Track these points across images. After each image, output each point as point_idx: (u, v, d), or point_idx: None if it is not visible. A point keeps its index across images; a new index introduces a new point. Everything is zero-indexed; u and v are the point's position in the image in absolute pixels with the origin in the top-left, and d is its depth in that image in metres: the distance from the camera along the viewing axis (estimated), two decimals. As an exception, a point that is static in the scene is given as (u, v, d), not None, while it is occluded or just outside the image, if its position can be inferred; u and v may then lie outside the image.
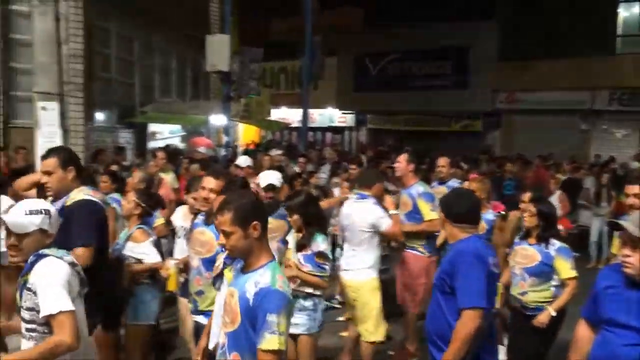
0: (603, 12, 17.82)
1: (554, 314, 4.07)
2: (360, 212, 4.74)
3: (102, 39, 12.08)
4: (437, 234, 5.44)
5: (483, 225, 4.74)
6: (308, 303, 3.99)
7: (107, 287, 3.64)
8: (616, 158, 14.84)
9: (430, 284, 5.14)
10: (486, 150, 17.75)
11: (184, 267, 4.10)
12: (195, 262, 3.65)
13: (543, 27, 18.01)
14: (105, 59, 12.38)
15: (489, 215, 5.18)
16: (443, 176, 6.64)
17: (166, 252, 4.87)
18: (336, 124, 24.99)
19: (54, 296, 2.51)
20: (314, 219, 4.10)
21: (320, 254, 3.99)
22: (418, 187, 5.44)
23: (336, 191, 7.60)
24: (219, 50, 11.26)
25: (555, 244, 4.16)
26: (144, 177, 5.94)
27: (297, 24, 15.74)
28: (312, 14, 14.98)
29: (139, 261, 4.21)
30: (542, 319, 4.08)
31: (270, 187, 4.85)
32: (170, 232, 5.46)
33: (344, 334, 5.40)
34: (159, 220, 5.23)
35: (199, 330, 3.47)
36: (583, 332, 2.93)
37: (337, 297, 6.51)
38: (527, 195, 4.42)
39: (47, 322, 2.53)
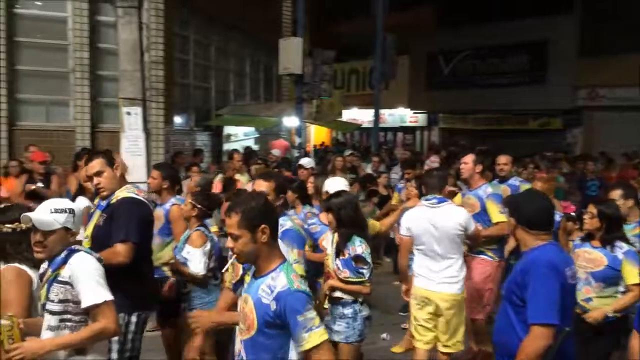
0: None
1: (610, 315, 3.79)
2: (447, 216, 4.38)
3: (181, 45, 12.57)
4: (505, 238, 5.22)
5: None
6: (348, 311, 3.87)
7: (147, 282, 3.74)
8: None
9: (497, 290, 4.98)
10: (566, 149, 17.03)
11: None
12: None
13: (625, 18, 17.05)
14: (184, 64, 12.88)
15: (555, 216, 4.93)
16: (505, 174, 6.41)
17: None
18: (407, 123, 24.75)
19: (96, 287, 2.68)
20: (349, 220, 3.94)
21: (358, 258, 3.85)
22: (486, 188, 5.25)
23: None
24: (291, 53, 11.43)
25: (623, 247, 3.89)
26: (200, 180, 6.04)
27: (368, 24, 15.71)
28: (383, 13, 14.91)
29: (184, 264, 4.23)
30: (595, 315, 3.82)
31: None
32: None
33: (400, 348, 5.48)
34: (213, 227, 5.29)
35: None
36: (636, 344, 2.78)
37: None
38: (616, 193, 4.22)
39: (86, 312, 2.70)
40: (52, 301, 2.69)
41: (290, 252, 3.34)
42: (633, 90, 17.51)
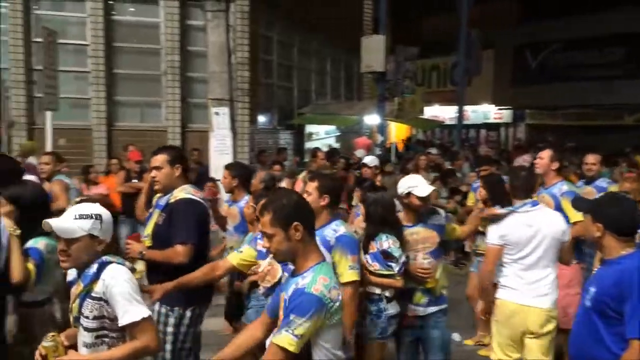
0: None
1: None
2: (549, 221, 3.99)
3: (265, 46, 12.88)
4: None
5: None
6: (373, 308, 3.78)
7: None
8: None
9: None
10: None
11: None
12: (421, 256, 3.90)
13: None
14: (267, 65, 13.19)
15: None
16: (592, 174, 6.00)
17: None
18: (491, 120, 24.01)
19: (132, 304, 2.48)
20: (377, 218, 3.86)
21: (385, 253, 3.76)
22: (561, 186, 4.92)
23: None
24: (374, 51, 11.41)
25: None
26: (264, 177, 6.05)
27: (450, 19, 15.39)
28: (467, 8, 14.55)
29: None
30: None
31: None
32: None
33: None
34: None
35: None
36: None
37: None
38: None
39: (124, 328, 2.52)
40: (87, 317, 2.51)
41: (344, 259, 3.28)
42: None
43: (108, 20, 10.50)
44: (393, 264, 3.77)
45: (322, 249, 2.86)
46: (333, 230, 3.36)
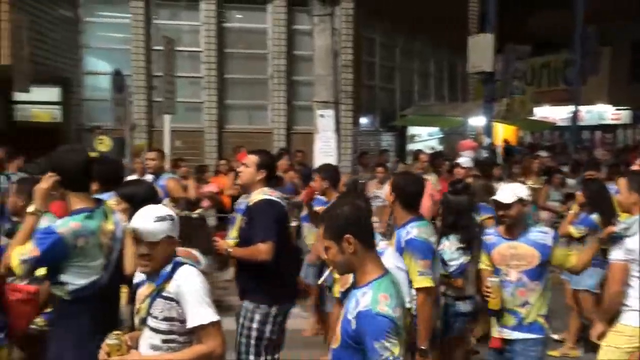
0: None
1: None
2: None
3: (368, 48, 12.91)
4: None
5: None
6: (440, 302, 3.77)
7: (287, 277, 3.86)
8: None
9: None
10: None
11: None
12: (515, 276, 3.58)
13: None
14: (370, 67, 13.20)
15: None
16: None
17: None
18: (607, 121, 22.44)
19: (202, 307, 2.46)
20: (449, 221, 4.04)
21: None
22: None
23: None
24: (482, 51, 11.07)
25: None
26: (348, 180, 6.02)
27: (562, 15, 14.57)
28: (583, 3, 13.71)
29: None
30: None
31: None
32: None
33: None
34: None
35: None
36: None
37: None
38: None
39: (191, 332, 2.49)
40: (156, 317, 2.49)
41: (413, 264, 3.25)
42: None
43: (220, 27, 11.00)
44: (447, 266, 3.87)
45: (391, 253, 2.98)
46: (406, 232, 3.38)
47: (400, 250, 3.30)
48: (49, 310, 3.19)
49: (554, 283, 4.15)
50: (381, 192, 6.38)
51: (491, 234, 3.77)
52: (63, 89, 10.76)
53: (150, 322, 2.50)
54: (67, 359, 2.78)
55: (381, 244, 3.04)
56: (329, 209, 2.32)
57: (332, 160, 9.27)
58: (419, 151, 9.65)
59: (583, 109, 21.10)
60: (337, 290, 3.26)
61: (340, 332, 2.21)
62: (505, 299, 3.55)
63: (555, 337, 5.51)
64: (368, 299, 2.10)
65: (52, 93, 10.81)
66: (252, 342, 3.69)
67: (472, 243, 3.99)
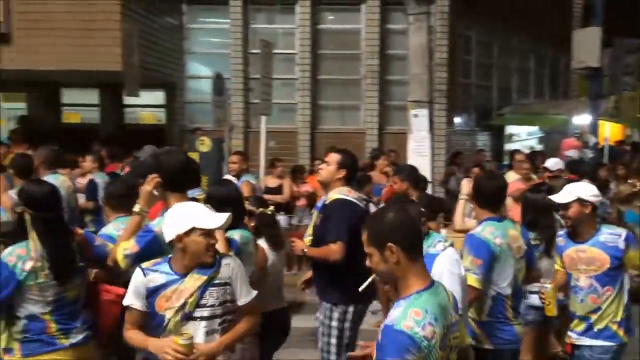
0: None
1: None
2: None
3: (463, 46, 12.59)
4: None
5: None
6: None
7: (362, 277, 3.80)
8: None
9: None
10: None
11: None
12: (585, 282, 3.43)
13: None
14: (466, 65, 12.86)
15: None
16: None
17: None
18: None
19: (247, 285, 2.76)
20: (528, 220, 4.11)
21: None
22: None
23: None
24: (587, 45, 10.46)
25: None
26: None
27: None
28: None
29: None
30: None
31: None
32: None
33: None
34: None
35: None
36: None
37: None
38: None
39: (236, 309, 2.74)
40: (212, 306, 2.63)
41: (465, 259, 3.21)
42: None
43: (314, 29, 11.17)
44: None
45: (447, 256, 2.96)
46: (477, 230, 3.38)
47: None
48: None
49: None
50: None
51: (561, 236, 3.65)
52: (167, 93, 11.40)
53: (203, 311, 2.61)
54: None
55: (438, 246, 3.03)
56: (374, 214, 2.26)
57: (426, 160, 9.14)
58: (516, 151, 9.30)
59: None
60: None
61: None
62: (575, 306, 3.45)
63: None
64: (398, 313, 2.00)
65: (157, 96, 11.50)
66: (333, 341, 3.77)
67: (552, 242, 3.99)
